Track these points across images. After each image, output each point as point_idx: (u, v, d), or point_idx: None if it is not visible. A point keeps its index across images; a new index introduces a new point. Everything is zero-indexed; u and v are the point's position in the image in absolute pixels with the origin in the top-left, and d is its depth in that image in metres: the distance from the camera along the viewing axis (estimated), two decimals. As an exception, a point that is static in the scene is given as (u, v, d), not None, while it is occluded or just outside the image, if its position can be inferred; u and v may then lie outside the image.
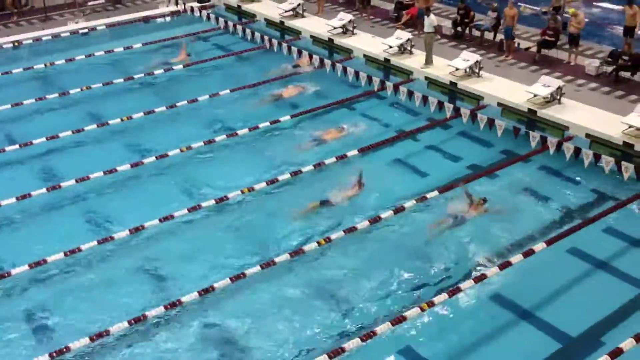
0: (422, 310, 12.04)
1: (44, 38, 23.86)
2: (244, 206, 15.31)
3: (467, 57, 20.48)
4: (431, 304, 12.15)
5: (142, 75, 21.26)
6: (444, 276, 13.20)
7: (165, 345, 11.68)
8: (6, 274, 12.90)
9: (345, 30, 23.67)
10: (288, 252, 13.48)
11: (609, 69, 20.22)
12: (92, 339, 11.49)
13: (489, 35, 23.04)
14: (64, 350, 11.24)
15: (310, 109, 19.26)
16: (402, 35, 22.18)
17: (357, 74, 20.24)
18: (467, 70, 20.28)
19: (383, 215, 14.61)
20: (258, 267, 13.08)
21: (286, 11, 25.38)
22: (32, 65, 21.71)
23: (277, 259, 13.27)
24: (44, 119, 18.95)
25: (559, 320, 12.13)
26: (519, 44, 22.39)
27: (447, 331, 11.97)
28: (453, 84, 20.11)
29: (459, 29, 23.56)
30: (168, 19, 26.48)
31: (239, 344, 11.77)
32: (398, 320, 11.80)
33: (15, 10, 25.91)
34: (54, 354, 11.16)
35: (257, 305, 12.57)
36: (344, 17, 23.82)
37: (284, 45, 22.44)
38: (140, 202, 15.41)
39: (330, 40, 23.48)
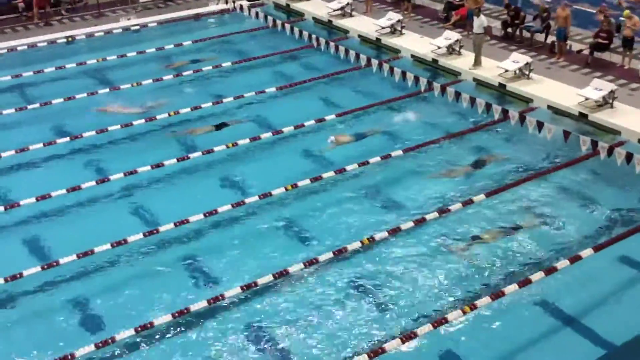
0: (464, 312, 11.91)
1: (96, 34, 24.33)
2: (286, 204, 15.40)
3: (517, 59, 20.21)
4: (473, 307, 12.02)
5: (191, 72, 21.52)
6: (488, 279, 13.05)
7: (209, 339, 11.79)
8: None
9: (394, 30, 23.57)
10: (332, 251, 13.53)
11: (664, 73, 19.72)
12: (136, 331, 11.67)
13: (540, 37, 22.66)
14: (110, 341, 11.45)
15: (356, 109, 19.25)
16: (451, 36, 22.00)
17: (404, 74, 20.11)
18: (517, 72, 20.00)
19: (428, 217, 14.51)
20: (301, 265, 13.16)
21: (334, 10, 25.42)
22: (85, 61, 22.14)
23: (320, 258, 13.35)
24: (94, 113, 19.28)
25: (604, 328, 11.88)
26: (570, 46, 21.97)
27: (489, 335, 11.83)
28: (502, 85, 19.85)
29: (509, 30, 23.23)
30: (218, 16, 26.72)
31: (279, 341, 11.82)
32: (439, 322, 11.70)
33: (69, 6, 26.54)
34: (100, 344, 11.38)
35: (298, 302, 12.64)
36: (393, 16, 23.73)
37: (332, 44, 22.45)
38: (180, 196, 15.72)
39: (378, 39, 23.41)
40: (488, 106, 18.15)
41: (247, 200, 15.07)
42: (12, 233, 14.54)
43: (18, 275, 12.82)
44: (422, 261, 13.57)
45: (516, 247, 13.90)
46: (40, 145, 17.13)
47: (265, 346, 11.69)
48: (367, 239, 13.84)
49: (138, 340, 11.68)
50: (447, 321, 11.75)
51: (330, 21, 25.23)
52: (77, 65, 21.89)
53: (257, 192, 15.31)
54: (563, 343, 11.76)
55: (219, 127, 18.33)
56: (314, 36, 22.97)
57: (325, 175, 15.98)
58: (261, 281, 12.76)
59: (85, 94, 19.89)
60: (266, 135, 17.77)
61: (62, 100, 19.53)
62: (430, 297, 12.67)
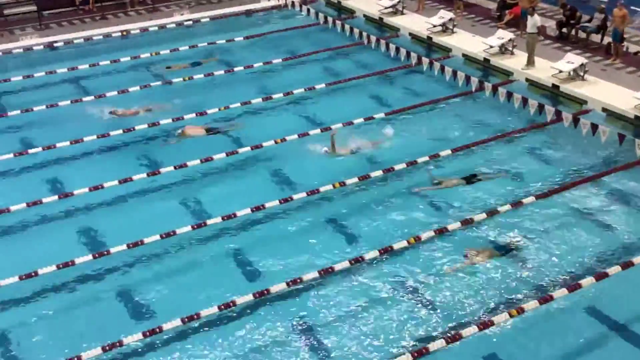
0: (511, 316, 11.77)
1: (150, 29, 24.73)
2: (334, 201, 15.41)
3: (572, 60, 19.84)
4: (521, 310, 11.86)
5: (242, 67, 21.69)
6: (537, 282, 12.87)
7: (253, 332, 11.90)
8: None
9: (445, 29, 23.37)
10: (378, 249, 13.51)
11: None
12: (183, 321, 11.83)
13: (595, 38, 22.20)
14: (157, 330, 11.64)
15: (405, 107, 19.15)
16: (503, 35, 21.72)
17: (454, 73, 19.92)
18: (571, 73, 19.63)
19: (476, 218, 14.37)
20: (347, 262, 13.16)
21: (386, 8, 25.33)
22: (139, 55, 22.51)
23: (366, 256, 13.33)
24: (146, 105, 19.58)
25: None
26: (627, 48, 21.45)
27: (535, 340, 11.65)
28: (555, 86, 19.51)
29: (564, 30, 22.81)
30: (270, 13, 26.87)
31: (322, 337, 11.85)
32: (485, 324, 11.58)
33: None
34: (147, 333, 11.59)
35: (342, 300, 12.65)
36: (445, 15, 23.53)
37: (382, 42, 22.37)
38: (229, 190, 15.84)
39: (429, 38, 23.24)
40: (541, 107, 17.85)
41: (294, 197, 15.13)
42: (65, 222, 14.90)
43: (70, 263, 13.14)
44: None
45: (566, 251, 13.67)
46: (94, 137, 17.50)
47: (309, 342, 11.73)
48: (414, 238, 13.78)
49: (185, 330, 11.85)
50: (492, 324, 11.63)
51: (381, 19, 25.14)
52: (132, 59, 22.28)
53: (305, 189, 15.37)
54: (612, 352, 11.53)
55: (211, 130, 18.05)
56: (364, 34, 22.93)
57: (373, 174, 15.95)
58: (306, 277, 12.80)
59: (138, 87, 20.22)
60: (315, 132, 17.82)
61: (115, 92, 19.90)
62: (477, 298, 12.54)
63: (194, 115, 18.64)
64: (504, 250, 13.66)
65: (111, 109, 19.03)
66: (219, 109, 18.95)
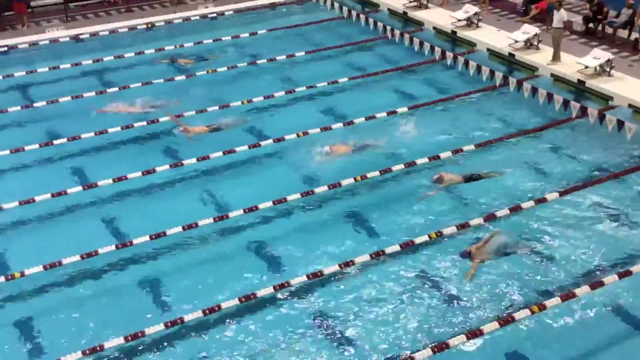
0: (533, 312, 11.69)
1: (175, 21, 24.83)
2: (355, 195, 15.41)
3: (598, 55, 19.60)
4: (542, 307, 11.78)
5: (265, 60, 21.72)
6: (559, 279, 12.77)
7: (274, 325, 11.95)
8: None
9: (470, 23, 23.20)
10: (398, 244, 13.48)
11: None
12: (204, 313, 11.91)
13: (622, 33, 21.91)
14: (178, 321, 11.73)
15: (428, 102, 19.06)
16: (529, 30, 21.51)
17: (479, 68, 19.78)
18: (597, 68, 19.40)
19: (499, 214, 14.28)
20: (367, 256, 13.16)
21: (410, 1, 25.19)
22: (163, 47, 22.61)
23: (387, 250, 13.32)
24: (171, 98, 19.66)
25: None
26: (655, 43, 21.18)
27: (556, 337, 11.58)
28: (581, 82, 19.29)
29: (590, 25, 22.53)
30: (294, 6, 26.85)
31: (342, 330, 11.87)
32: (506, 320, 11.52)
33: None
34: (169, 324, 11.68)
35: (362, 293, 12.65)
36: (469, 9, 23.35)
37: (406, 36, 22.27)
38: (251, 183, 15.89)
39: (454, 32, 23.09)
40: (566, 103, 17.67)
41: (316, 190, 15.15)
42: (89, 212, 15.04)
43: (94, 253, 13.28)
44: (491, 258, 13.34)
45: (589, 249, 13.54)
46: (119, 128, 17.63)
47: (328, 334, 11.75)
48: (435, 233, 13.73)
49: (205, 322, 11.92)
50: (514, 320, 11.56)
51: (405, 12, 25.02)
52: (156, 51, 22.39)
53: (326, 183, 15.37)
54: (636, 351, 11.40)
55: (214, 129, 17.69)
56: (388, 27, 22.84)
57: (394, 167, 15.91)
58: (327, 270, 12.82)
59: (162, 80, 20.32)
60: (337, 126, 17.80)
61: (139, 84, 20.01)
62: (498, 294, 12.48)
63: (217, 107, 18.70)
64: (527, 246, 13.56)
65: (115, 108, 18.72)
66: (242, 102, 19.01)
